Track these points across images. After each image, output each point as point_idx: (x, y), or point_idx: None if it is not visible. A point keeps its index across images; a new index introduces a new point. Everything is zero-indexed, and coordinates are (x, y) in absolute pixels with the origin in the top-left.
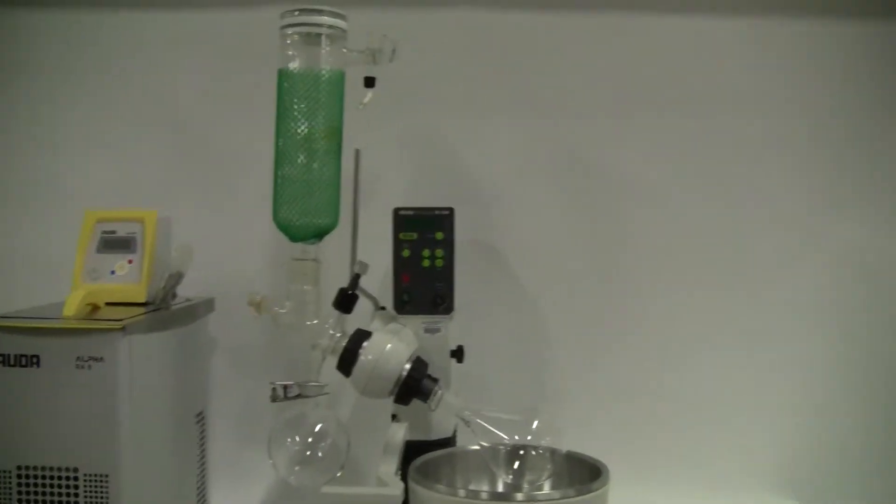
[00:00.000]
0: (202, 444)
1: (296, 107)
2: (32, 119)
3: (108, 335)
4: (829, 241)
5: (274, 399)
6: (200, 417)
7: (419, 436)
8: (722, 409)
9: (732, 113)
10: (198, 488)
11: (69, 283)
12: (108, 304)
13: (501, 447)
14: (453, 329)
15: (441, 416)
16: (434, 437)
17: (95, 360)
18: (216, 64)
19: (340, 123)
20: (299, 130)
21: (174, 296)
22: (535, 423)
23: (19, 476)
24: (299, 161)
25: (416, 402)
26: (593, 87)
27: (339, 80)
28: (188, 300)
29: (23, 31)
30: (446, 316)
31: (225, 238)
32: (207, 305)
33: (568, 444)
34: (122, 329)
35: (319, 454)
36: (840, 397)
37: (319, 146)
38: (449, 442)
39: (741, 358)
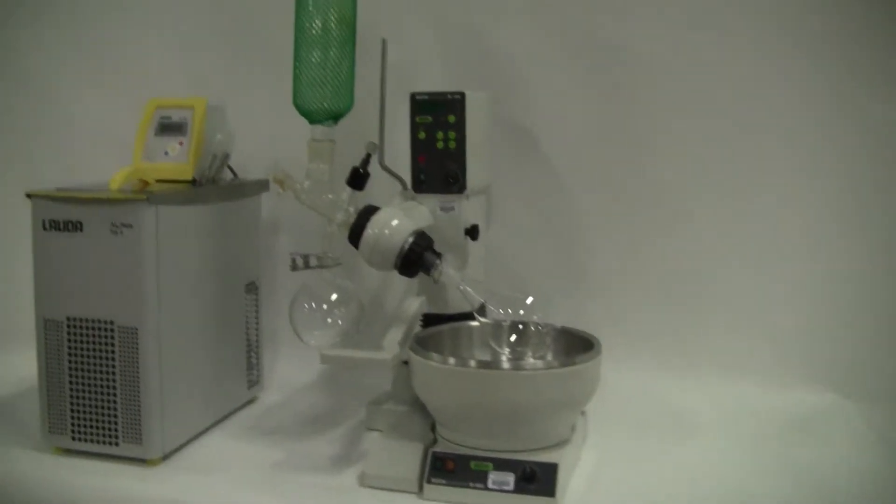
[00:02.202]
0: (256, 313)
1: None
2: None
3: (135, 204)
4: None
5: (294, 268)
6: (252, 288)
7: (438, 310)
8: (746, 292)
9: None
10: (248, 353)
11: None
12: (158, 181)
13: (503, 323)
14: (482, 208)
15: (457, 291)
16: (451, 311)
17: (126, 226)
18: None
19: (353, 14)
20: (315, 21)
21: (234, 175)
22: (530, 299)
23: (69, 325)
24: (315, 49)
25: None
26: None
27: None
28: (237, 179)
29: None
30: (460, 195)
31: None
32: (260, 185)
33: (589, 326)
34: (147, 199)
35: (339, 321)
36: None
37: (333, 35)
38: (468, 317)
39: (771, 242)
